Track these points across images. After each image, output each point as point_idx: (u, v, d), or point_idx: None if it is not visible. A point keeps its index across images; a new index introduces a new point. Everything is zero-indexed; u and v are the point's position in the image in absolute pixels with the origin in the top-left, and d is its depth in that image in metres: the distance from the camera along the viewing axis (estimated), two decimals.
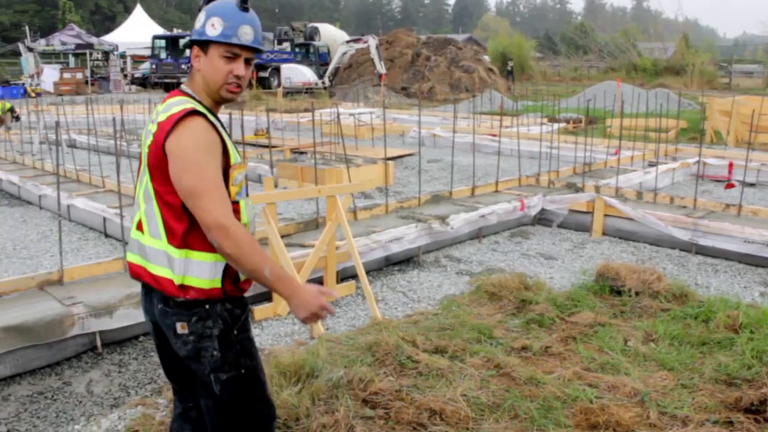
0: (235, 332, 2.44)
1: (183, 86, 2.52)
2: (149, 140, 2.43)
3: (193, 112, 2.35)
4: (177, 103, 2.41)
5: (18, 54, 40.26)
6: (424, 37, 39.82)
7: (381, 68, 32.63)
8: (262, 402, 2.57)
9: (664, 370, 4.32)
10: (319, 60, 39.78)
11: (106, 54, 40.61)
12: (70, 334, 4.50)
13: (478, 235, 7.77)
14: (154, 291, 2.47)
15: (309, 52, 40.76)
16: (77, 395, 4.24)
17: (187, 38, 2.52)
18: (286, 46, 41.83)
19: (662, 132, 13.41)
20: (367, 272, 6.38)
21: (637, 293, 5.57)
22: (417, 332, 4.83)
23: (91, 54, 41.13)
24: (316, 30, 44.13)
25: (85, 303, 4.62)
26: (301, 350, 4.56)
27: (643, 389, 4.00)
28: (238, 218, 2.38)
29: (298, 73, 35.88)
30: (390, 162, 12.44)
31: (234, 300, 2.47)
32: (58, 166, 6.00)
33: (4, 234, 8.30)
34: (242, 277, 2.46)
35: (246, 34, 2.43)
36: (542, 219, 8.55)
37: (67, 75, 37.39)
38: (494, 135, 16.37)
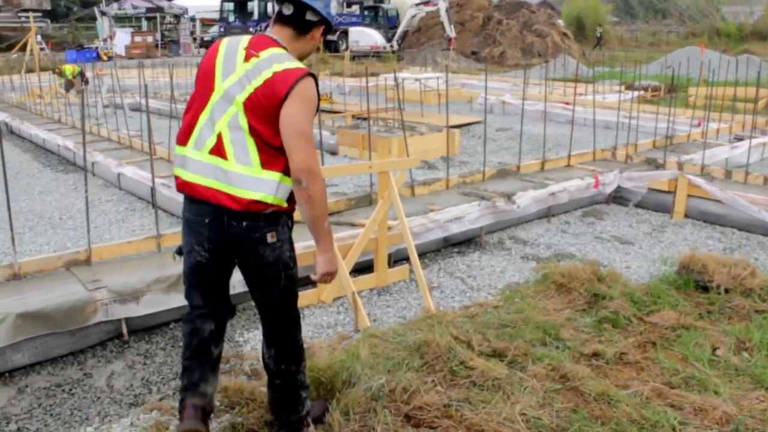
0: (289, 229, 2.92)
1: (280, 40, 2.85)
2: (258, 81, 2.71)
3: (311, 74, 2.74)
4: (288, 58, 2.77)
5: (95, 18, 40.86)
6: (496, 0, 38.49)
7: (451, 32, 31.68)
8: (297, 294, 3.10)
9: (762, 389, 3.67)
10: (387, 23, 38.96)
11: (177, 17, 40.74)
12: (93, 321, 4.13)
13: (547, 214, 7.12)
14: (230, 212, 2.76)
15: (378, 15, 39.96)
16: (96, 390, 3.87)
17: (322, 13, 2.85)
18: (355, 8, 41.19)
19: (750, 102, 12.34)
20: (424, 254, 5.87)
21: (726, 290, 4.87)
22: (473, 330, 4.28)
23: (163, 18, 41.38)
24: None
25: (110, 287, 4.23)
26: (341, 348, 4.08)
27: (737, 415, 3.37)
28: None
29: (366, 37, 35.23)
30: (455, 130, 11.82)
31: (290, 213, 2.90)
32: (111, 130, 5.62)
33: (53, 202, 8.09)
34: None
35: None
36: (618, 197, 7.82)
37: (138, 38, 37.74)
38: (567, 103, 15.52)
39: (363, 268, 5.41)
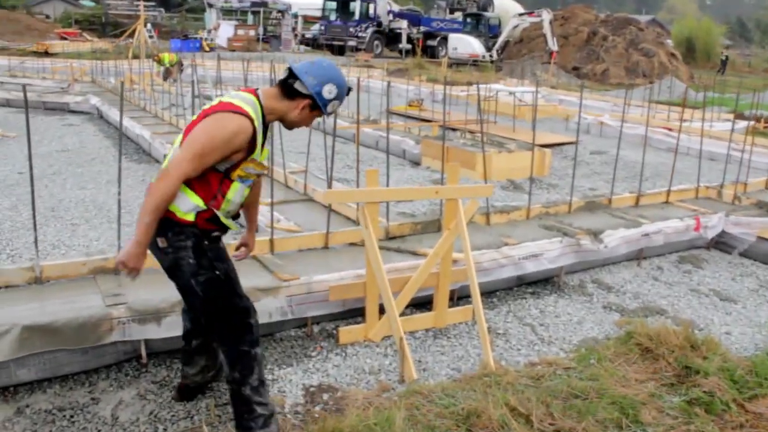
0: (206, 242, 3.04)
1: (260, 91, 3.12)
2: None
3: (242, 114, 2.95)
4: (237, 96, 3.04)
5: (204, 9, 41.82)
6: (603, 15, 37.08)
7: (553, 45, 30.63)
8: (237, 297, 3.17)
9: None
10: (488, 32, 38.13)
11: (281, 13, 41.11)
12: (107, 340, 3.71)
13: (637, 256, 6.35)
14: None
15: (479, 23, 39.17)
16: (99, 421, 3.43)
17: (309, 90, 3.06)
18: (458, 15, 40.54)
19: None
20: (493, 292, 5.26)
21: None
22: (536, 399, 3.63)
23: (268, 13, 41.87)
24: (490, 1, 42.35)
25: (131, 304, 3.80)
26: (377, 405, 3.50)
27: None
28: (225, 191, 3.04)
29: (465, 44, 34.57)
30: (546, 150, 11.08)
31: (205, 231, 3.06)
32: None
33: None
34: (223, 220, 3.10)
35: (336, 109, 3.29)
36: (720, 243, 6.95)
37: (240, 32, 38.21)
38: (671, 129, 14.48)
39: (422, 303, 4.83)
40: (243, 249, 3.58)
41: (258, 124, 2.98)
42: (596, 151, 13.08)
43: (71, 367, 3.73)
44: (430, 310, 4.94)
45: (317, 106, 3.10)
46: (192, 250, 3.00)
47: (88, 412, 3.50)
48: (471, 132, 12.36)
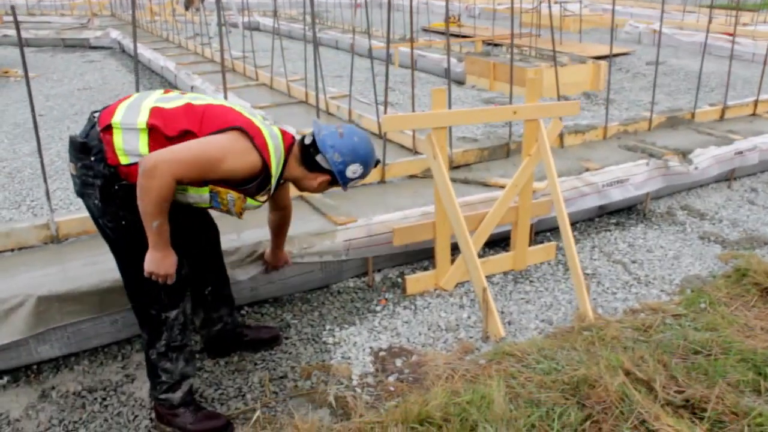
0: (117, 187, 2.47)
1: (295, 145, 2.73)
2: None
3: (262, 156, 2.50)
4: (272, 138, 2.57)
5: None
6: None
7: None
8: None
9: None
10: None
11: None
12: None
13: (727, 177, 5.60)
14: None
15: None
16: (135, 402, 2.90)
17: (332, 167, 2.66)
18: None
19: None
20: (573, 224, 4.60)
21: None
22: (652, 358, 3.01)
23: None
24: None
25: None
26: (463, 373, 2.90)
27: None
28: (179, 196, 2.50)
29: None
30: (601, 62, 10.17)
31: (124, 182, 2.48)
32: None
33: None
34: None
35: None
36: None
37: None
38: (730, 34, 13.37)
39: (493, 241, 4.19)
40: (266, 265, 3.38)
41: (274, 176, 2.59)
42: (652, 61, 12.08)
43: (100, 339, 3.18)
44: (503, 249, 4.30)
45: (336, 182, 2.72)
46: (99, 191, 2.48)
47: (123, 392, 2.96)
48: (518, 46, 11.46)
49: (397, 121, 3.39)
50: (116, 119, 2.44)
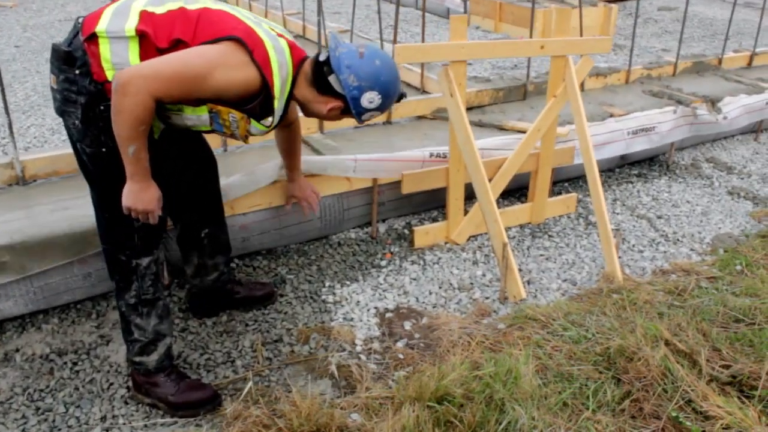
0: (101, 108, 2.11)
1: (307, 61, 2.27)
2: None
3: (259, 68, 2.09)
4: (275, 50, 2.13)
5: None
6: None
7: None
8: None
9: None
10: None
11: None
12: None
13: (755, 129, 5.23)
14: None
15: None
16: (111, 367, 2.55)
17: (345, 91, 2.21)
18: None
19: None
20: None
21: None
22: (690, 326, 2.69)
23: None
24: None
25: None
26: (481, 340, 2.56)
27: None
28: (175, 118, 2.19)
29: None
30: (613, 5, 9.66)
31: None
32: None
33: None
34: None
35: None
36: None
37: None
38: None
39: (506, 191, 3.81)
40: (291, 200, 2.95)
41: (279, 91, 2.16)
42: (664, 6, 11.57)
43: (71, 294, 2.80)
44: (518, 199, 3.94)
45: (349, 111, 2.28)
46: (81, 109, 2.12)
47: (96, 356, 2.60)
48: None
49: (411, 52, 2.97)
50: (101, 26, 2.06)
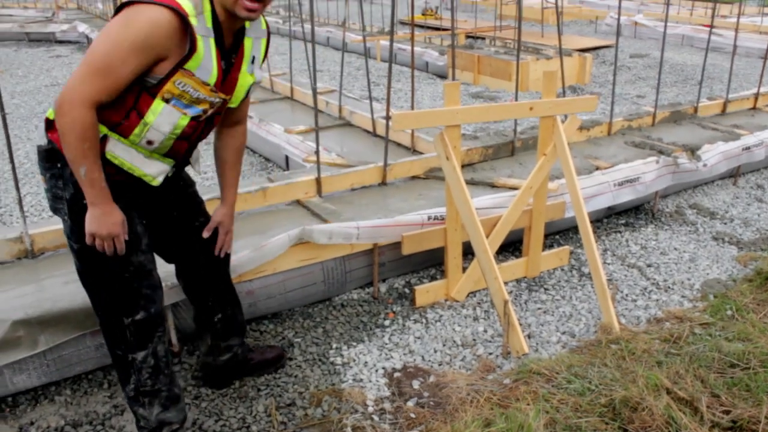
0: (86, 202, 2.13)
1: None
2: None
3: (169, 6, 1.97)
4: None
5: None
6: None
7: None
8: (119, 283, 2.25)
9: None
10: None
11: None
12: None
13: (733, 174, 5.41)
14: None
15: None
16: None
17: None
18: None
19: None
20: None
21: None
22: (687, 373, 2.78)
23: None
24: None
25: None
26: (488, 396, 2.64)
27: None
28: (143, 109, 2.10)
29: None
30: (587, 55, 9.98)
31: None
32: None
33: None
34: (118, 159, 2.16)
35: None
36: None
37: None
38: (709, 26, 13.31)
39: (501, 246, 3.92)
40: (214, 226, 2.60)
41: (198, 20, 2.03)
42: (636, 53, 11.96)
43: (83, 365, 2.86)
44: (512, 254, 4.05)
45: None
46: (67, 203, 2.17)
47: (111, 426, 2.64)
48: (500, 39, 11.24)
49: (408, 119, 3.11)
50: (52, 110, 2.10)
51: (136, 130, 2.11)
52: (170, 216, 2.48)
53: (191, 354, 3.06)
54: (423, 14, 15.16)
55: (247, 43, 2.25)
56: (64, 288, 2.85)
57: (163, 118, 2.11)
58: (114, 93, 2.02)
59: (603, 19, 14.88)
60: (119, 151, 2.14)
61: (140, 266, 2.27)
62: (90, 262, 2.22)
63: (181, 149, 2.28)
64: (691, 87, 9.44)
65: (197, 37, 2.03)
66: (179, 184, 2.50)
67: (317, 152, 3.76)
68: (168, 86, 2.06)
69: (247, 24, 2.23)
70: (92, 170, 2.04)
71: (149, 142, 2.16)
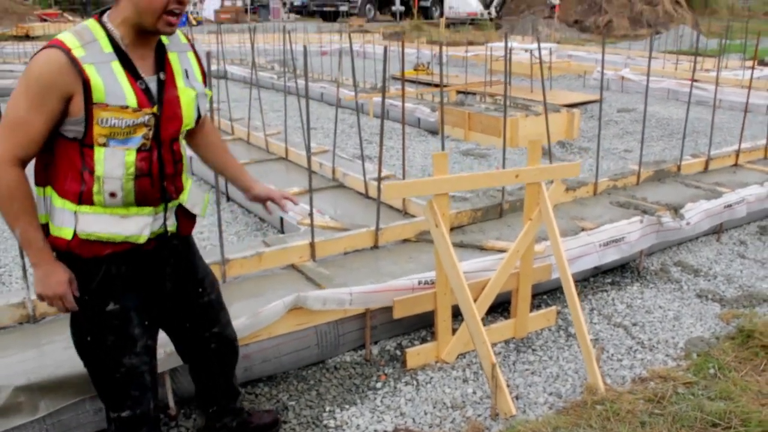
0: (86, 297, 2.21)
1: (106, 16, 2.13)
2: None
3: (52, 46, 2.02)
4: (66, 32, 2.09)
5: None
6: None
7: None
8: (117, 351, 2.28)
9: None
10: None
11: None
12: None
13: (717, 230, 5.56)
14: None
15: None
16: None
17: None
18: None
19: None
20: None
21: None
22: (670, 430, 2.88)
23: None
24: None
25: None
26: None
27: None
28: (91, 165, 2.08)
29: (462, 2, 33.38)
30: (575, 110, 10.24)
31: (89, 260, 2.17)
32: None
33: None
34: (94, 235, 2.14)
35: None
36: None
37: (227, 2, 36.95)
38: (696, 81, 13.63)
39: (489, 307, 4.03)
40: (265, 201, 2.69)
41: (86, 50, 2.02)
42: (623, 108, 12.23)
43: (82, 429, 2.93)
44: (501, 315, 4.16)
45: None
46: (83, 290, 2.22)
47: None
48: (491, 95, 11.51)
49: (398, 189, 3.25)
50: None
51: (95, 188, 2.09)
52: (165, 292, 2.45)
53: (188, 417, 3.13)
54: (415, 69, 15.48)
55: (173, 57, 2.25)
56: (64, 353, 2.93)
57: (110, 163, 2.09)
58: (34, 145, 2.04)
59: (591, 73, 15.21)
60: (93, 226, 2.13)
61: (131, 369, 2.30)
62: (83, 353, 2.32)
63: (148, 192, 2.19)
64: (676, 141, 9.65)
65: (84, 67, 2.00)
66: (175, 253, 2.43)
67: (311, 215, 3.90)
68: (96, 130, 2.04)
69: (165, 40, 2.24)
70: (27, 230, 2.07)
71: (112, 195, 2.12)
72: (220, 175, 2.70)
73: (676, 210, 5.03)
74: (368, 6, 36.39)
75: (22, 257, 3.18)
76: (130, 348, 2.29)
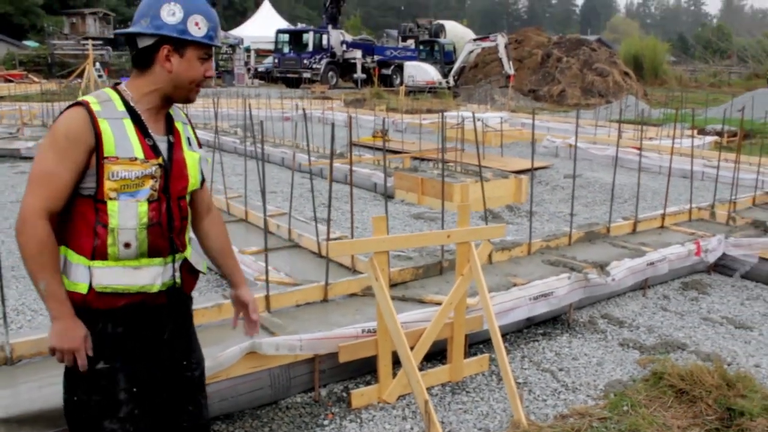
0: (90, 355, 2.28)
1: (123, 85, 2.36)
2: None
3: (77, 104, 2.26)
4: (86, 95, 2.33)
5: None
6: (555, 37, 37.54)
7: (509, 69, 30.79)
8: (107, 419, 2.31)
9: None
10: (443, 58, 38.35)
11: (233, 48, 40.69)
12: None
13: (642, 286, 6.08)
14: None
15: (434, 50, 39.43)
16: None
17: (149, 32, 2.27)
18: (411, 43, 40.77)
19: None
20: (504, 335, 4.88)
21: None
22: None
23: (219, 48, 41.36)
24: (441, 27, 42.73)
25: None
26: None
27: None
28: (104, 219, 2.22)
29: (421, 72, 34.62)
30: (523, 176, 10.86)
31: (99, 313, 2.28)
32: None
33: None
34: (110, 287, 2.26)
35: (219, 35, 2.37)
36: (720, 266, 6.74)
37: None
38: (638, 148, 14.44)
39: (430, 354, 4.45)
40: (240, 310, 2.77)
41: (102, 107, 2.23)
42: (570, 174, 12.90)
43: None
44: (440, 361, 4.57)
45: (182, 44, 2.29)
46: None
47: None
48: (445, 162, 12.10)
49: (342, 248, 3.70)
50: None
51: (110, 240, 2.20)
52: (158, 357, 2.45)
53: None
54: (373, 136, 16.10)
55: (179, 125, 2.46)
56: (39, 392, 3.27)
57: (124, 214, 2.21)
58: (62, 197, 2.18)
59: (541, 141, 15.98)
60: (108, 279, 2.23)
61: None
62: (69, 414, 2.37)
63: (159, 241, 2.30)
64: (618, 205, 10.27)
65: (98, 121, 2.19)
66: (180, 308, 2.53)
67: (266, 272, 4.31)
68: (107, 185, 2.18)
69: (171, 111, 2.44)
70: (51, 283, 2.14)
71: (126, 245, 2.23)
72: (214, 264, 2.72)
73: (602, 267, 5.54)
74: (330, 73, 37.49)
75: (3, 303, 3.53)
76: (113, 412, 2.30)
